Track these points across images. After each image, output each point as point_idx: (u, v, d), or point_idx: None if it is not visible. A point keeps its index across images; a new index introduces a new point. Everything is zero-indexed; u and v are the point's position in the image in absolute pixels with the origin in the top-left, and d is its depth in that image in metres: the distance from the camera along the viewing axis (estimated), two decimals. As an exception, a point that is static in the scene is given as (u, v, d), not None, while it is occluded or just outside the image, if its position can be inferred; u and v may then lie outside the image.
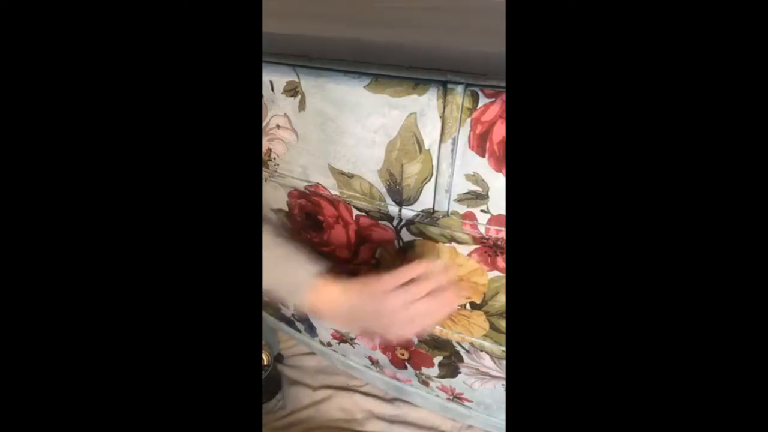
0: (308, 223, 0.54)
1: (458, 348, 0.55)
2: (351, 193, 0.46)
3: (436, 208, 0.42)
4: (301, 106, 0.44)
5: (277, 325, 0.78)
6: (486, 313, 0.49)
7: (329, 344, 0.71)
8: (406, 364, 0.63)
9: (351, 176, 0.45)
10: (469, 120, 0.36)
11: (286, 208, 0.55)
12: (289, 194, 0.53)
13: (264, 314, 0.79)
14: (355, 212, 0.48)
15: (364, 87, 0.39)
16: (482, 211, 0.40)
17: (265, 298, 0.32)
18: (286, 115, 0.46)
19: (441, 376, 0.61)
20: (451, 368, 0.59)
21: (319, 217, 0.52)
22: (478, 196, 0.39)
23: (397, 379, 0.68)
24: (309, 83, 0.43)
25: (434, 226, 0.43)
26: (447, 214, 0.42)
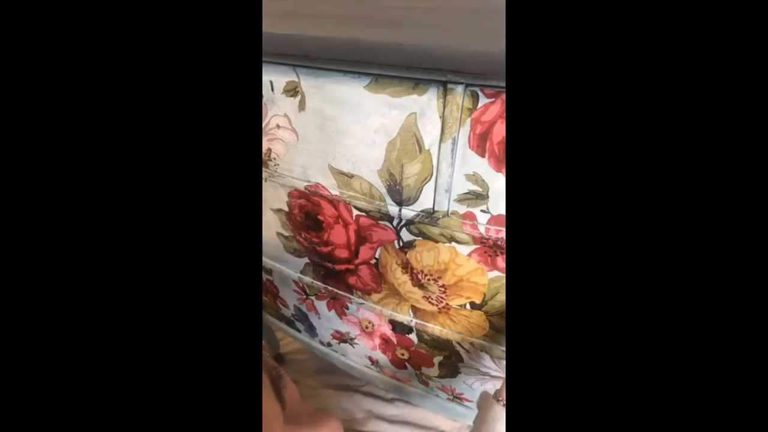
0: (308, 223, 0.54)
1: (458, 348, 0.55)
2: (351, 193, 0.46)
3: (436, 208, 0.42)
4: (301, 106, 0.44)
5: (277, 325, 0.78)
6: (486, 313, 0.49)
7: (329, 344, 0.71)
8: (406, 364, 0.63)
9: (351, 176, 0.45)
10: (469, 120, 0.36)
11: (286, 208, 0.55)
12: (289, 194, 0.53)
13: (264, 314, 0.79)
14: (355, 212, 0.48)
15: (363, 87, 0.39)
16: (482, 211, 0.40)
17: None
18: (286, 115, 0.46)
19: (441, 376, 0.61)
20: (451, 368, 0.59)
21: (319, 217, 0.52)
22: (478, 196, 0.39)
23: (397, 379, 0.68)
24: (309, 83, 0.43)
25: (434, 226, 0.43)
26: (447, 214, 0.42)
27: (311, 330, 0.71)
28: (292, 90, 0.44)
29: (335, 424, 0.36)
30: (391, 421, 0.81)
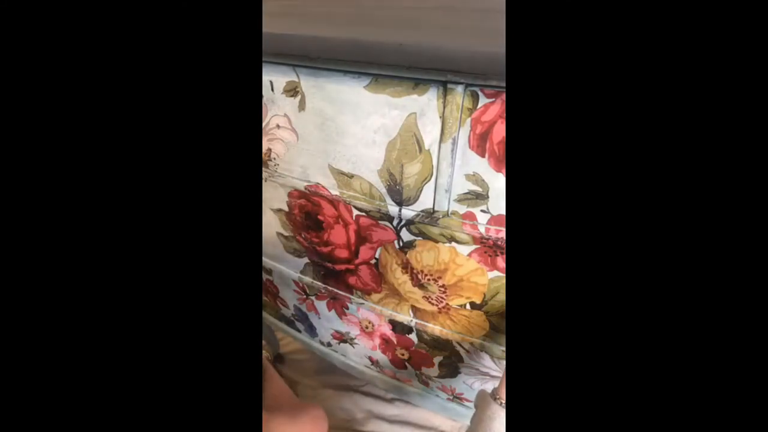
0: (308, 223, 0.54)
1: (458, 348, 0.55)
2: (351, 193, 0.46)
3: (436, 208, 0.42)
4: (301, 106, 0.44)
5: (277, 325, 0.78)
6: (486, 313, 0.49)
7: (329, 344, 0.71)
8: (406, 364, 0.63)
9: (351, 176, 0.45)
10: (469, 120, 0.36)
11: (286, 208, 0.55)
12: (289, 194, 0.53)
13: (264, 314, 0.79)
14: (355, 212, 0.48)
15: (363, 87, 0.39)
16: (482, 211, 0.40)
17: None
18: (286, 115, 0.46)
19: (441, 376, 0.61)
20: (451, 368, 0.59)
21: (319, 217, 0.52)
22: (478, 196, 0.39)
23: (397, 379, 0.68)
24: (309, 83, 0.43)
25: (434, 226, 0.43)
26: (447, 214, 0.42)
27: (311, 330, 0.71)
28: (292, 90, 0.44)
29: (318, 413, 0.36)
30: (391, 421, 0.81)
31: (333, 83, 0.41)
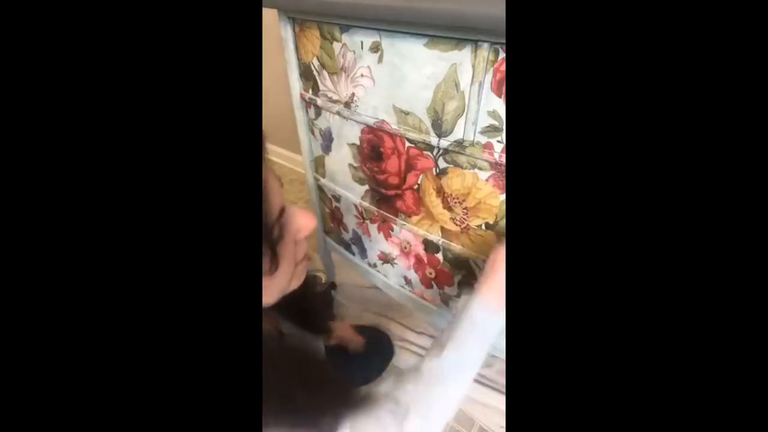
0: (372, 154, 0.71)
1: (473, 266, 0.68)
2: (406, 128, 0.63)
3: (464, 138, 0.57)
4: (380, 59, 0.62)
5: (336, 248, 0.96)
6: (497, 233, 0.62)
7: (375, 265, 0.87)
8: (432, 282, 0.77)
9: (407, 113, 0.61)
10: (491, 69, 0.51)
11: (358, 143, 0.72)
12: (362, 131, 0.70)
13: (328, 239, 0.97)
14: (407, 144, 0.64)
15: (423, 45, 0.56)
16: (498, 141, 0.54)
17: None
18: (368, 67, 0.64)
19: (458, 295, 0.75)
20: (467, 287, 0.72)
21: (381, 149, 0.69)
22: (495, 129, 0.54)
23: (424, 299, 0.82)
24: (387, 42, 0.60)
25: (462, 154, 0.58)
26: (472, 144, 0.56)
27: (363, 252, 0.88)
28: (375, 47, 0.62)
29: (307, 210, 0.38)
30: (420, 353, 0.96)
31: (403, 42, 0.57)
